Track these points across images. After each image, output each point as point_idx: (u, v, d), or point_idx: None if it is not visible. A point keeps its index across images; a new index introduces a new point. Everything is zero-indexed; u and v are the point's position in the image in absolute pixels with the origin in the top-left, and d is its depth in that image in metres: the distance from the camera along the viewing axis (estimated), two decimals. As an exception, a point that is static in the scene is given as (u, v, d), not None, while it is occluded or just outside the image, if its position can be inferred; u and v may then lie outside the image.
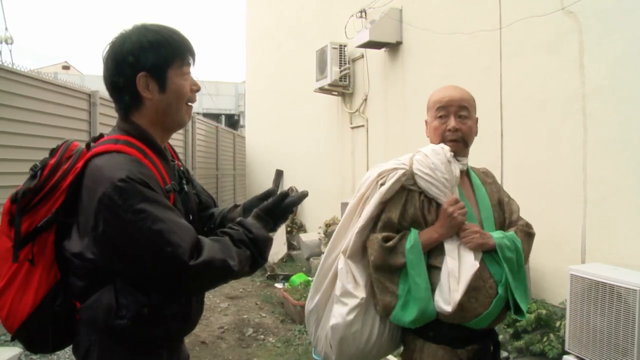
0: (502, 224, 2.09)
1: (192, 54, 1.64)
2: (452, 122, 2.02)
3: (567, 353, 3.36)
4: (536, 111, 4.37)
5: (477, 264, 1.90)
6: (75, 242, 1.49)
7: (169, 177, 1.57)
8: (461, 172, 2.05)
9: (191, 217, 1.68)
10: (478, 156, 2.07)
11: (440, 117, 2.05)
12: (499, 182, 2.24)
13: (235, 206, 1.88)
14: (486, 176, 2.20)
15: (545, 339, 3.60)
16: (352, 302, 1.99)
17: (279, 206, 1.68)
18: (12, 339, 1.57)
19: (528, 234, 2.09)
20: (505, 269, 1.93)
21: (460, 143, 2.03)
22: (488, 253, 1.95)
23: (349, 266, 2.02)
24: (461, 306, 1.87)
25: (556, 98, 4.18)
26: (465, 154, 2.09)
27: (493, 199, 2.11)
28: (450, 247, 1.93)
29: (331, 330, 2.02)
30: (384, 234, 1.98)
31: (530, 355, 3.70)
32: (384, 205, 2.01)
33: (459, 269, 1.90)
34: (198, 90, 1.67)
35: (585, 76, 3.91)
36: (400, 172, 1.98)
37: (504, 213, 2.11)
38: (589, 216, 3.86)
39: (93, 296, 1.48)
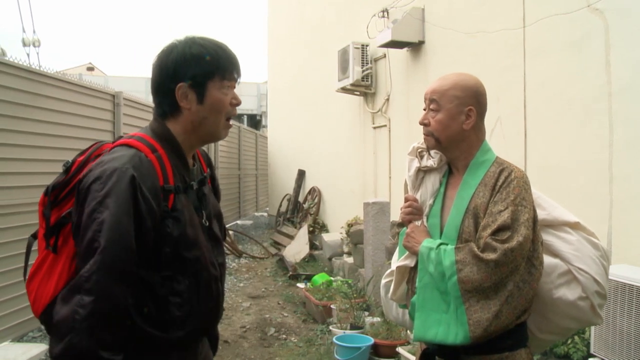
0: (473, 236, 1.81)
1: (237, 69, 1.67)
2: (422, 117, 2.01)
3: (593, 356, 3.32)
4: (561, 110, 4.31)
5: (404, 263, 1.96)
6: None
7: (174, 178, 1.58)
8: (454, 169, 1.98)
9: (207, 223, 1.69)
10: (501, 156, 2.01)
11: (424, 110, 2.03)
12: (532, 190, 1.84)
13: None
14: (495, 179, 1.83)
15: (569, 341, 3.55)
16: (388, 270, 2.17)
17: None
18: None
19: (476, 257, 1.71)
20: (417, 281, 1.87)
21: (430, 138, 1.96)
22: None
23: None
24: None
25: (581, 97, 4.12)
26: (441, 150, 1.98)
27: (473, 204, 1.83)
28: None
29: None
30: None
31: (555, 358, 3.65)
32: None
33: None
34: (238, 104, 1.68)
35: (612, 74, 3.84)
36: None
37: (476, 224, 1.80)
38: (615, 217, 3.79)
39: None
